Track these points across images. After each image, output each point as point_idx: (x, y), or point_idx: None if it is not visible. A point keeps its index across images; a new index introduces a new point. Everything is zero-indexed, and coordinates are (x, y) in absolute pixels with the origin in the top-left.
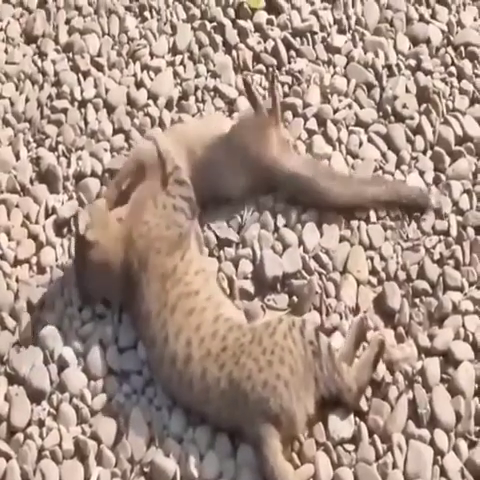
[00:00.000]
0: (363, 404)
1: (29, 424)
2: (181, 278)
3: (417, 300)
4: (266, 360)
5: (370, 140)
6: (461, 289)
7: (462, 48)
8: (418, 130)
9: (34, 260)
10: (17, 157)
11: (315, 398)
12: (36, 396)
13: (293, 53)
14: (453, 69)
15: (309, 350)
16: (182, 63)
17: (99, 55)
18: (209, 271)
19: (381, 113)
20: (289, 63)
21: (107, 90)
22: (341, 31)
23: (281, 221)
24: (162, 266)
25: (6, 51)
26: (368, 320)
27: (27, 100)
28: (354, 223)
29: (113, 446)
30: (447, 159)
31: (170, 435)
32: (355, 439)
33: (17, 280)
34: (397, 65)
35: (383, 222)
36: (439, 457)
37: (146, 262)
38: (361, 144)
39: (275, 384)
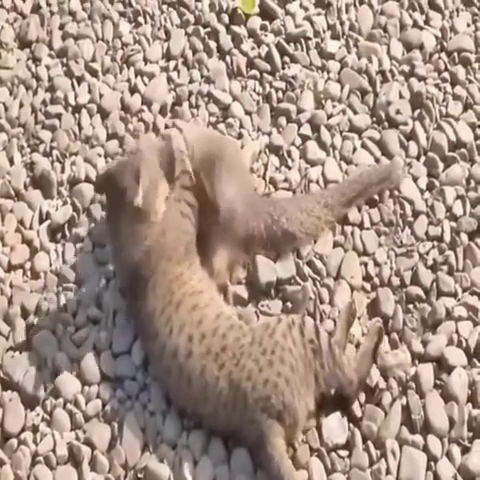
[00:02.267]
0: (357, 410)
1: (23, 430)
2: (186, 282)
3: (411, 306)
4: (266, 360)
5: (364, 146)
6: (454, 295)
7: (455, 54)
8: (412, 136)
9: (28, 265)
10: (11, 162)
11: (315, 395)
12: (30, 402)
13: (287, 59)
14: (446, 75)
15: (309, 349)
16: (176, 68)
17: (93, 60)
18: (210, 281)
19: (375, 119)
20: (283, 69)
21: (101, 95)
22: (335, 37)
23: None
24: (171, 272)
25: (0, 56)
26: (356, 304)
27: (21, 105)
28: (348, 229)
29: (107, 452)
30: (440, 165)
31: (164, 441)
32: (349, 445)
33: (11, 285)
34: (391, 71)
35: (377, 228)
36: (432, 463)
37: (156, 266)
38: (355, 150)
39: (276, 381)
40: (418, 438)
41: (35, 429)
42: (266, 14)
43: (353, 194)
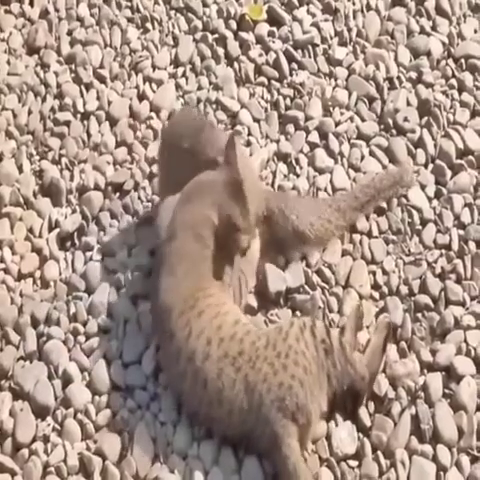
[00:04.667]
0: (366, 420)
1: (34, 440)
2: (212, 294)
3: (419, 315)
4: (281, 363)
5: (372, 153)
6: (463, 304)
7: (462, 60)
8: (419, 143)
9: (38, 274)
10: (20, 170)
11: (328, 396)
12: (41, 412)
13: (295, 65)
14: (454, 81)
15: (321, 349)
16: (184, 75)
17: (101, 67)
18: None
19: (382, 126)
20: (291, 75)
21: (110, 102)
22: (342, 43)
23: None
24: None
25: (8, 62)
26: (364, 310)
27: (30, 112)
28: (356, 237)
29: (118, 462)
30: (448, 172)
31: (175, 451)
32: (358, 455)
33: (21, 294)
34: (398, 78)
35: (385, 236)
36: (442, 473)
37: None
38: (363, 157)
39: (290, 384)
40: (427, 448)
41: (46, 439)
42: (274, 20)
43: (365, 198)
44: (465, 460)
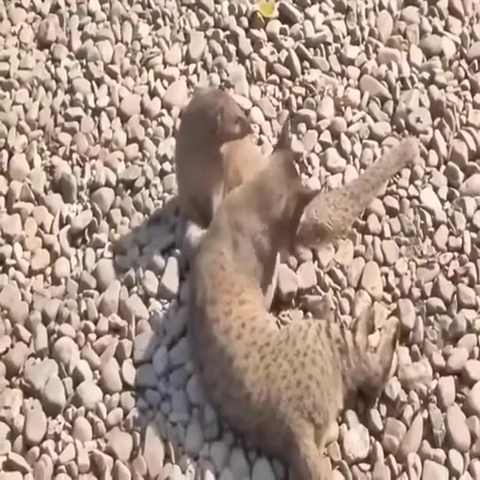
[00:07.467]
0: (378, 423)
1: (45, 438)
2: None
3: (431, 318)
4: (299, 362)
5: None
6: (475, 307)
7: (475, 61)
8: (432, 145)
9: (49, 271)
10: (31, 165)
11: (343, 394)
12: (52, 409)
13: (307, 64)
14: (466, 82)
15: (336, 349)
16: (195, 72)
17: (112, 62)
18: None
19: (395, 126)
20: (303, 74)
21: (121, 98)
22: (354, 42)
23: None
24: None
25: (19, 56)
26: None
27: (41, 107)
28: (368, 238)
29: (129, 461)
30: (461, 174)
31: (186, 452)
32: (370, 459)
33: (32, 291)
34: (411, 78)
35: (397, 238)
36: (454, 478)
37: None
38: (375, 158)
39: (308, 384)
40: (440, 452)
41: (57, 437)
42: (285, 18)
43: (376, 179)
44: (478, 465)
